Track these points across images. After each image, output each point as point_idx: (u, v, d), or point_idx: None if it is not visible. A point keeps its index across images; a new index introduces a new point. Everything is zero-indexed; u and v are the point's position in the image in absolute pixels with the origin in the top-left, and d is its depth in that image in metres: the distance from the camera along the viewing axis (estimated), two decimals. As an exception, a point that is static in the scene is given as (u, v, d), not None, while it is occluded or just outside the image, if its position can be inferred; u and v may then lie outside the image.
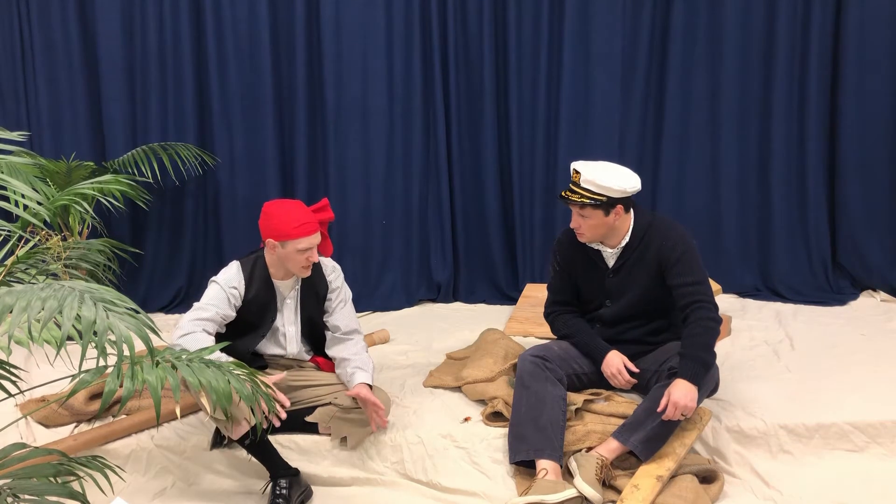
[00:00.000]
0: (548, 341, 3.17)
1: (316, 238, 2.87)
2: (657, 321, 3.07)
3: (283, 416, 2.60)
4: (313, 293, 3.03)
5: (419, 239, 4.69)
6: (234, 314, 2.91)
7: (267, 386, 2.41)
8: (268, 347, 3.03)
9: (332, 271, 3.07)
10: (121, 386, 1.90)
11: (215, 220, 4.62)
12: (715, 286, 3.66)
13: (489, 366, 3.30)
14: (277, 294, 2.99)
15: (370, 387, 2.90)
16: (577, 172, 2.88)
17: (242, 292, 2.92)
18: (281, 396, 2.65)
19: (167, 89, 4.47)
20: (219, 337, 2.88)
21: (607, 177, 2.83)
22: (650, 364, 3.02)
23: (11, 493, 2.06)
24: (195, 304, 2.86)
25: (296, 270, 2.90)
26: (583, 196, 2.84)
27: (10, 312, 1.71)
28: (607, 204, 2.85)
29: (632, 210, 2.98)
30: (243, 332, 2.97)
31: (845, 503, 2.77)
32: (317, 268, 3.02)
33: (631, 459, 2.84)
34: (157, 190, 4.51)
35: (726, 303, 4.41)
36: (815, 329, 4.01)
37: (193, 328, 2.76)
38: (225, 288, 2.88)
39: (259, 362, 3.03)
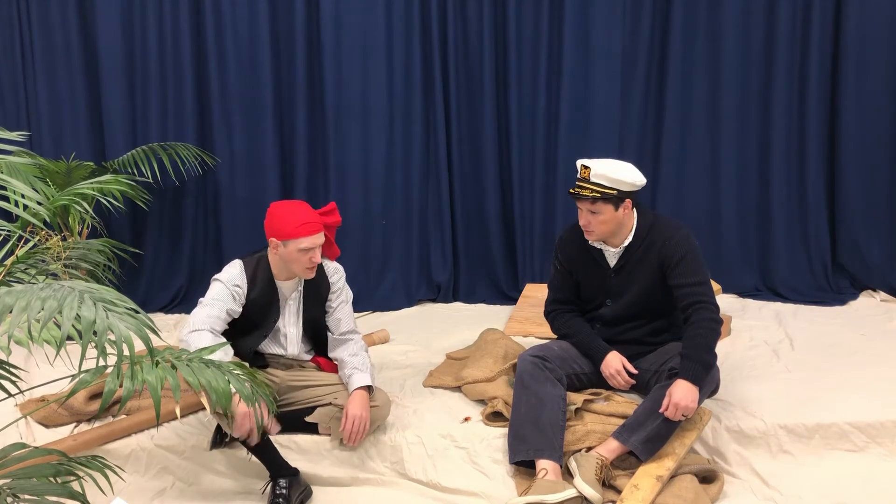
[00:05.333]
0: (548, 341, 3.17)
1: (318, 238, 2.86)
2: (657, 321, 3.06)
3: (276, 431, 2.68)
4: (316, 294, 3.03)
5: (419, 239, 4.69)
6: (240, 310, 2.91)
7: (267, 386, 2.41)
8: (268, 347, 3.04)
9: (335, 273, 3.07)
10: (120, 386, 1.90)
11: (215, 220, 4.62)
12: (715, 286, 3.65)
13: (489, 366, 3.30)
14: (280, 295, 2.98)
15: (370, 388, 2.90)
16: (587, 168, 2.87)
17: (245, 291, 2.92)
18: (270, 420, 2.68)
19: (167, 89, 4.47)
20: (223, 335, 2.88)
21: (618, 170, 2.86)
22: (650, 364, 3.01)
23: (11, 493, 2.05)
24: (201, 301, 2.86)
25: (299, 271, 2.89)
26: (594, 190, 2.85)
27: (10, 312, 1.70)
28: (617, 198, 2.86)
29: (635, 209, 2.98)
30: (245, 332, 2.97)
31: (845, 503, 2.77)
32: (319, 269, 3.02)
33: (631, 459, 2.84)
34: (157, 190, 4.50)
35: (726, 303, 4.41)
36: (815, 329, 4.01)
37: (203, 325, 2.76)
38: (228, 286, 2.88)
39: (260, 361, 3.03)
